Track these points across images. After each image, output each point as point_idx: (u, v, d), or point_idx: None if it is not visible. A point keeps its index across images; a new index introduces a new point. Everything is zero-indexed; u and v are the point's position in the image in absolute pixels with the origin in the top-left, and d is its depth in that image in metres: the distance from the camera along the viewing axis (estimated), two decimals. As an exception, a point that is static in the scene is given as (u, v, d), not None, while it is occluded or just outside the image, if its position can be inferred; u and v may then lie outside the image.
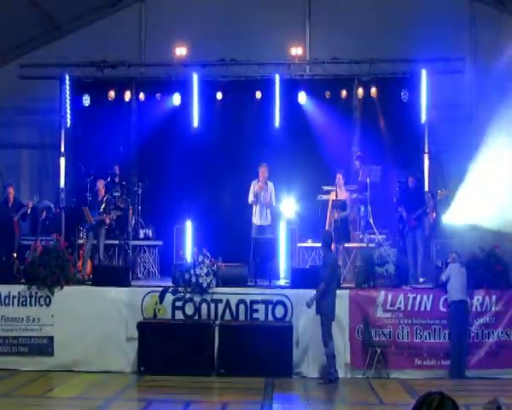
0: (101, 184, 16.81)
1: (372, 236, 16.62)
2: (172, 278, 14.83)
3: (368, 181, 17.12)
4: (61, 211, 17.56)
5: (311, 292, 13.71)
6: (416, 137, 18.58)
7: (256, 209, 16.69)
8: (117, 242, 17.51)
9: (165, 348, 13.73)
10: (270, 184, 16.80)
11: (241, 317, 14.33)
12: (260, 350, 13.47)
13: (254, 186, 16.73)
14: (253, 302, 14.37)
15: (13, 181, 17.86)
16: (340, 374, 13.63)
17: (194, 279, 14.29)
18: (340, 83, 18.99)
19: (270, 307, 14.31)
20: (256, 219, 16.70)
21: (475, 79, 18.72)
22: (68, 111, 18.85)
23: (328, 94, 18.72)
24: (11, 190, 16.80)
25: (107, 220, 16.45)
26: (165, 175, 18.65)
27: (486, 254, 14.43)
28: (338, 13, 19.84)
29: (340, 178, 16.72)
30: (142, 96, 19.37)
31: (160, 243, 18.22)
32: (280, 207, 17.24)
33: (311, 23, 20.32)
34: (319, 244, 15.43)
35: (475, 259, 14.43)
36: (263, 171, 16.69)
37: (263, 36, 19.34)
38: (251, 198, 16.69)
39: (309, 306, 13.28)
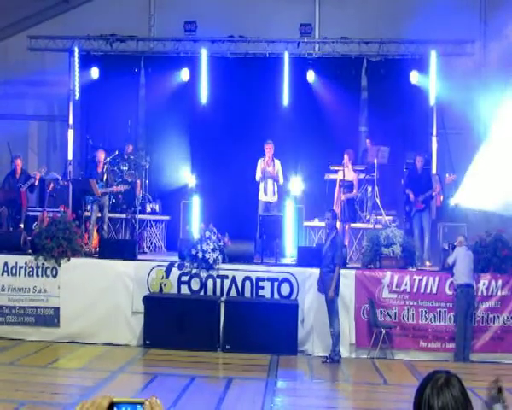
0: (101, 156, 16.80)
1: (379, 217, 16.65)
2: (179, 253, 14.88)
3: (375, 162, 17.12)
4: (68, 183, 17.58)
5: (317, 271, 13.76)
6: (424, 119, 18.57)
7: (263, 186, 16.71)
8: (124, 216, 17.60)
9: (171, 323, 13.79)
10: (277, 162, 16.80)
11: (247, 294, 14.39)
12: (265, 327, 13.53)
13: (261, 163, 16.74)
14: (258, 279, 14.42)
15: (21, 153, 17.84)
16: (345, 354, 13.74)
17: (200, 255, 14.33)
18: (349, 62, 18.94)
19: (275, 284, 14.36)
20: (263, 196, 16.73)
21: (485, 61, 18.64)
22: (77, 84, 18.83)
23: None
24: (19, 162, 16.79)
25: (115, 190, 16.49)
26: (172, 150, 18.63)
27: (493, 238, 14.39)
28: (348, -8, 19.81)
29: (346, 157, 16.71)
30: (150, 70, 19.35)
31: (166, 217, 18.26)
32: (287, 186, 17.25)
33: (320, 1, 20.21)
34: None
35: (482, 243, 14.40)
36: (268, 148, 16.69)
37: (272, 14, 19.28)
38: (258, 175, 16.70)
39: (331, 297, 13.26)
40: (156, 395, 2.85)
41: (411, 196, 16.19)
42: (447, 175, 16.68)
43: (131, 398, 2.59)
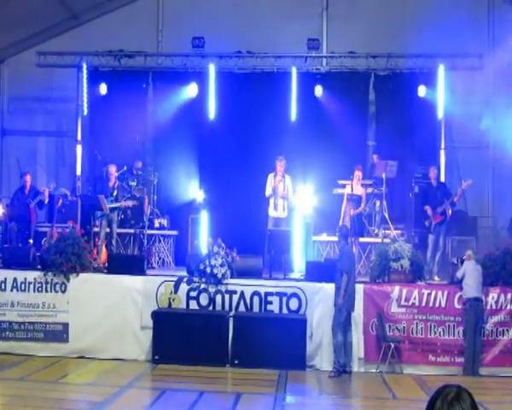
0: (113, 170, 16.85)
1: (387, 231, 16.61)
2: (187, 268, 14.87)
3: (383, 176, 17.12)
4: (77, 199, 17.64)
5: (326, 285, 13.78)
6: (432, 132, 18.52)
7: (273, 202, 16.71)
8: (132, 231, 17.63)
9: (180, 338, 13.79)
10: (288, 178, 16.80)
11: (256, 309, 14.36)
12: (274, 342, 13.51)
13: (272, 179, 16.73)
14: (267, 294, 14.39)
15: (30, 168, 17.90)
16: (354, 368, 13.72)
17: (208, 270, 14.33)
18: (357, 77, 18.97)
19: (284, 299, 14.34)
20: (273, 212, 16.72)
21: (493, 75, 18.61)
22: (85, 100, 18.90)
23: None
24: (28, 178, 16.86)
25: (123, 205, 16.52)
26: (180, 165, 18.64)
27: (502, 251, 14.39)
28: (355, 6, 19.81)
29: (359, 174, 16.71)
30: (158, 86, 19.43)
31: (175, 232, 18.26)
32: (295, 201, 17.22)
33: (328, 16, 20.29)
34: (334, 238, 15.48)
35: (491, 256, 14.39)
36: (280, 165, 16.69)
37: (280, 29, 19.33)
38: (268, 191, 16.69)
39: (338, 305, 13.28)
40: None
41: (429, 211, 16.04)
42: (463, 181, 16.47)
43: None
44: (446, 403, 3.21)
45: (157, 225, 18.22)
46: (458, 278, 13.99)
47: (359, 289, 14.00)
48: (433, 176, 16.47)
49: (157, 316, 14.15)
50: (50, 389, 11.84)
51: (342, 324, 13.35)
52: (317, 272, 14.59)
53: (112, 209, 16.30)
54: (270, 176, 16.73)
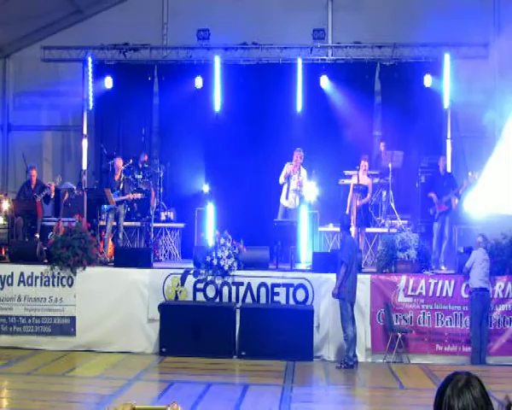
0: (120, 163, 16.84)
1: (394, 221, 16.59)
2: (194, 261, 14.88)
3: (390, 166, 17.09)
4: (83, 192, 17.63)
5: (332, 276, 13.75)
6: (438, 122, 18.50)
7: (285, 190, 16.71)
8: (139, 224, 17.65)
9: (187, 330, 13.82)
10: (304, 171, 16.81)
11: (263, 300, 14.37)
12: (281, 333, 13.54)
13: (288, 168, 16.73)
14: (274, 286, 14.40)
15: (36, 163, 17.94)
16: (361, 358, 13.71)
17: (215, 262, 14.34)
18: (363, 67, 18.94)
19: (291, 290, 14.34)
20: (284, 200, 16.74)
21: (499, 63, 18.53)
22: (91, 93, 18.88)
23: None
24: (34, 172, 16.89)
25: (131, 197, 16.52)
26: (186, 158, 18.63)
27: (509, 240, 14.33)
28: (360, -4, 19.79)
29: (365, 164, 16.70)
30: (164, 78, 19.41)
31: (181, 225, 18.27)
32: (302, 192, 17.20)
33: (333, 7, 20.18)
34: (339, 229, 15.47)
35: (498, 245, 14.32)
36: (297, 155, 16.68)
37: (285, 20, 19.30)
38: (282, 179, 16.71)
39: (334, 295, 13.30)
40: (177, 401, 2.86)
41: (435, 198, 16.06)
42: (470, 173, 16.41)
43: (151, 405, 2.58)
44: (456, 390, 3.19)
45: (163, 217, 18.24)
46: (467, 268, 13.85)
47: (366, 279, 14.02)
48: (442, 166, 16.44)
49: (164, 309, 14.17)
50: (58, 383, 11.89)
51: (350, 317, 13.33)
52: (324, 262, 14.56)
53: (118, 202, 16.30)
54: (287, 164, 16.79)
